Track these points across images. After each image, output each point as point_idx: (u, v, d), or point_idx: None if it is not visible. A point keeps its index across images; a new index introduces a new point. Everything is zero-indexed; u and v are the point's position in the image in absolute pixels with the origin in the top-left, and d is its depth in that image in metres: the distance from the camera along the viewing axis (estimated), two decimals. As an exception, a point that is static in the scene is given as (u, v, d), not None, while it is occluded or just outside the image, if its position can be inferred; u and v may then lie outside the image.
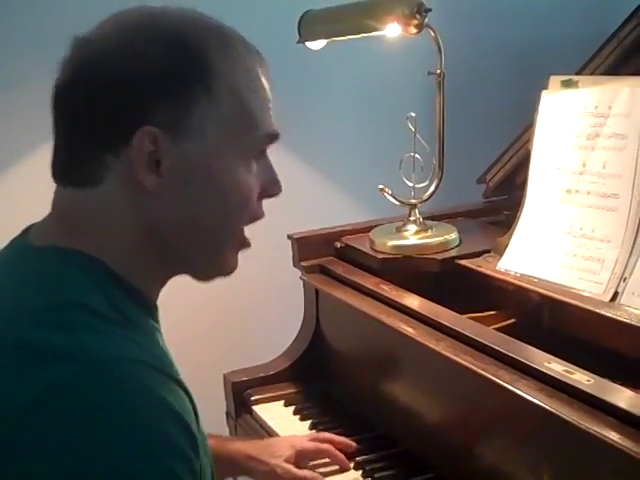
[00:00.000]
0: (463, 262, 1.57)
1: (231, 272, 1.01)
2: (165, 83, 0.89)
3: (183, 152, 0.91)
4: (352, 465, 1.43)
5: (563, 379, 1.13)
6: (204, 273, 1.01)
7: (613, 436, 1.02)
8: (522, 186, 1.57)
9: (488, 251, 1.59)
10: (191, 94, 0.90)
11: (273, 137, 0.99)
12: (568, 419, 1.07)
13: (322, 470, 1.43)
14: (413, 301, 1.49)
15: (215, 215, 0.95)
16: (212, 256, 0.99)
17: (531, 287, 1.43)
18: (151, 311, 0.98)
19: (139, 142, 0.89)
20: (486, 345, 1.27)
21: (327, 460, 1.45)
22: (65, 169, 0.94)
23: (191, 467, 0.84)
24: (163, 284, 1.00)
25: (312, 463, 1.45)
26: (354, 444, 1.47)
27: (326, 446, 1.46)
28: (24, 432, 0.78)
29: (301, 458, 1.44)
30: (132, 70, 0.89)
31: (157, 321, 0.99)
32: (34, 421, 0.78)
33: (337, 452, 1.45)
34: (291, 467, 1.41)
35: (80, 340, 0.83)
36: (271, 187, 1.00)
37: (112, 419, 0.79)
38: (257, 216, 1.00)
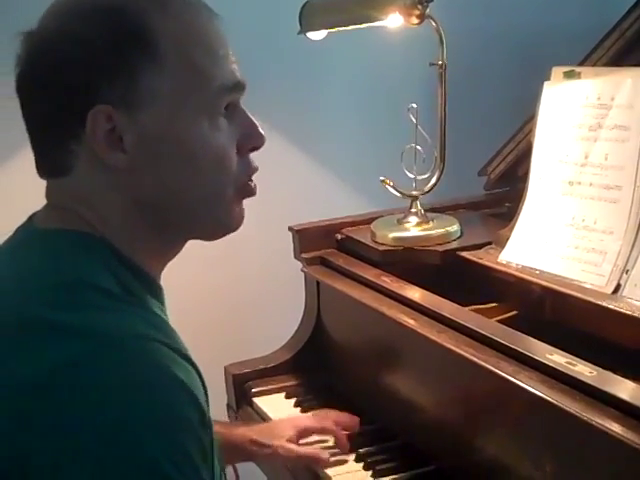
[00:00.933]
0: (464, 254, 1.57)
1: (238, 226, 1.00)
2: (107, 59, 0.89)
3: (142, 123, 0.90)
4: (353, 457, 1.43)
5: (565, 371, 1.13)
6: (209, 233, 1.00)
7: (615, 428, 1.01)
8: (524, 178, 1.57)
9: (490, 243, 1.58)
10: (134, 64, 0.89)
11: (233, 87, 0.96)
12: (570, 411, 1.07)
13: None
14: (414, 293, 1.48)
15: (194, 180, 0.94)
16: (210, 216, 0.97)
17: (533, 279, 1.43)
18: (155, 291, 0.97)
19: (93, 122, 0.89)
20: (487, 337, 1.27)
21: (329, 443, 1.46)
22: (39, 162, 0.96)
23: (201, 445, 0.84)
24: (167, 259, 1.00)
25: (310, 441, 1.47)
26: (358, 422, 1.48)
27: (330, 425, 1.47)
28: (39, 409, 0.78)
29: (304, 437, 1.45)
30: (73, 54, 0.89)
31: (163, 302, 0.99)
32: (49, 398, 0.79)
33: (340, 433, 1.46)
34: (293, 446, 1.42)
35: (91, 318, 0.83)
36: (251, 139, 0.98)
37: (126, 396, 0.79)
38: (251, 170, 0.99)
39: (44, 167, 0.95)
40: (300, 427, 1.45)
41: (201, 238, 1.01)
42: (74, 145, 0.91)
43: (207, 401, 0.92)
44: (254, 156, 1.00)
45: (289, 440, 1.42)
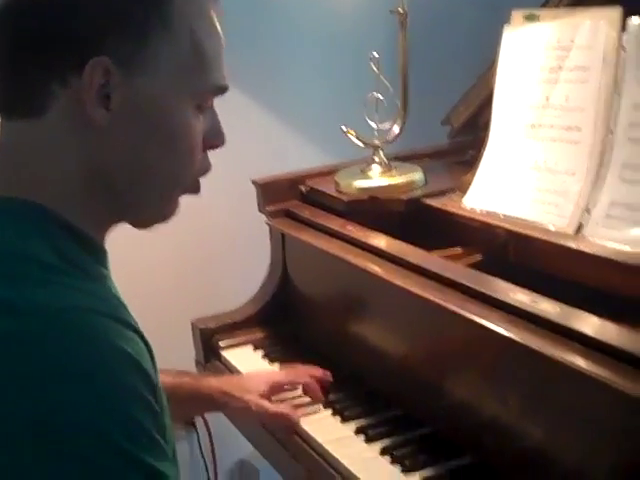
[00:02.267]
0: (428, 201, 1.57)
1: (169, 219, 0.99)
2: (125, 13, 0.87)
3: (135, 88, 0.88)
4: (321, 404, 1.44)
5: (529, 309, 1.14)
6: (146, 219, 0.99)
7: (580, 362, 1.03)
8: (487, 126, 1.56)
9: (453, 190, 1.59)
10: (150, 27, 0.88)
11: (222, 89, 0.97)
12: (535, 348, 1.08)
13: (295, 403, 1.46)
14: (379, 240, 1.49)
15: (163, 158, 0.93)
16: (157, 202, 0.96)
17: (496, 223, 1.43)
18: (99, 256, 0.95)
19: (91, 72, 0.86)
20: (452, 280, 1.27)
21: (300, 393, 1.47)
22: (9, 98, 0.91)
23: (153, 413, 0.83)
24: (107, 230, 0.97)
25: (284, 396, 1.47)
26: (329, 376, 1.48)
27: (302, 381, 1.47)
28: None
29: (276, 392, 1.45)
30: None
31: (106, 267, 0.96)
32: None
33: (314, 386, 1.46)
34: (265, 403, 1.41)
35: (28, 293, 0.81)
36: (215, 137, 0.98)
37: (68, 369, 0.77)
38: (205, 168, 0.99)
39: (15, 104, 0.90)
40: (272, 382, 1.45)
41: (135, 220, 0.98)
42: (57, 86, 0.87)
43: (156, 372, 0.90)
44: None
45: (262, 395, 1.42)
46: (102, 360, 0.80)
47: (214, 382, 1.45)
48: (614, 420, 1.00)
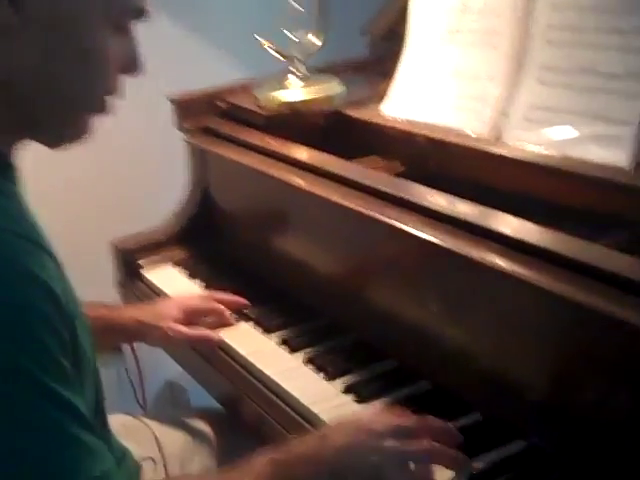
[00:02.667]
0: (349, 112, 1.56)
1: (84, 139, 0.96)
2: None
3: None
4: (244, 319, 1.44)
5: (447, 211, 1.14)
6: (55, 138, 0.95)
7: (498, 261, 1.03)
8: (407, 35, 1.55)
9: (373, 100, 1.57)
10: None
11: (140, 11, 0.94)
12: (454, 249, 1.08)
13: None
14: (301, 153, 1.46)
15: (73, 73, 0.90)
16: (63, 120, 0.93)
17: (416, 131, 1.42)
18: (8, 172, 0.91)
19: None
20: (372, 187, 1.26)
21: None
22: None
23: (59, 338, 0.82)
24: (15, 145, 0.93)
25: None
26: (246, 302, 1.46)
27: (217, 305, 1.44)
28: None
29: (191, 317, 1.42)
30: None
31: (16, 184, 0.93)
32: None
33: (226, 312, 1.43)
34: (181, 328, 1.39)
35: None
36: (133, 64, 0.96)
37: None
38: (116, 89, 0.95)
39: None
40: (186, 307, 1.42)
41: (45, 139, 0.95)
42: None
43: (70, 290, 0.89)
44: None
45: (176, 321, 1.39)
46: (8, 282, 0.78)
47: (129, 312, 1.43)
48: (536, 318, 1.01)
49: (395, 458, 0.93)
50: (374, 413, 1.02)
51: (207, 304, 1.45)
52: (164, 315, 1.40)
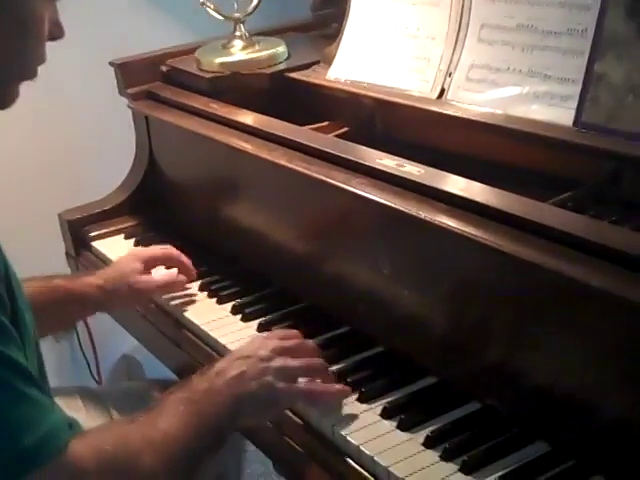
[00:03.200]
0: (293, 75, 1.55)
1: (11, 106, 0.95)
2: None
3: None
4: (197, 287, 1.43)
5: (394, 172, 1.14)
6: None
7: (445, 220, 1.04)
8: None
9: (318, 62, 1.56)
10: None
11: None
12: (402, 209, 1.08)
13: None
14: (245, 117, 1.45)
15: (11, 43, 0.90)
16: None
17: (361, 92, 1.42)
18: None
19: None
20: (318, 149, 1.26)
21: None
22: None
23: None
24: None
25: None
26: (194, 274, 1.43)
27: (175, 251, 1.42)
28: None
29: (151, 266, 1.40)
30: None
31: None
32: None
33: (186, 260, 1.41)
34: (148, 277, 1.37)
35: None
36: (57, 29, 0.96)
37: None
38: (43, 58, 0.96)
39: None
40: (144, 257, 1.39)
41: None
42: None
43: (7, 269, 0.89)
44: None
45: (139, 273, 1.36)
46: None
47: (87, 279, 1.36)
48: (486, 276, 1.02)
49: (281, 375, 1.04)
50: (257, 340, 1.12)
51: (164, 250, 1.43)
52: (125, 272, 1.36)
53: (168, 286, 1.39)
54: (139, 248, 1.50)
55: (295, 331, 1.16)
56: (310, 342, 1.14)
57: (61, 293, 1.31)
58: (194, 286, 1.43)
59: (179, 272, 1.41)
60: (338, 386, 1.08)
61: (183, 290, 1.42)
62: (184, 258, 1.42)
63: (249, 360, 1.04)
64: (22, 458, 0.83)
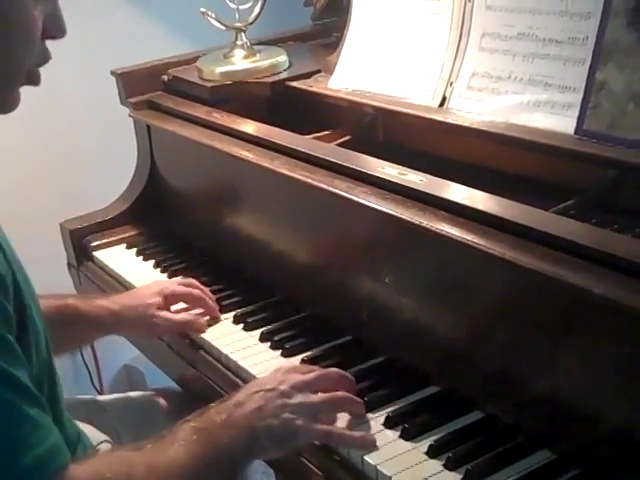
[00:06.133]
0: (294, 84, 1.55)
1: (13, 110, 0.93)
2: None
3: None
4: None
5: (397, 180, 1.14)
6: None
7: (448, 228, 1.04)
8: (350, 6, 1.53)
9: (319, 71, 1.56)
10: None
11: None
12: (404, 217, 1.08)
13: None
14: (247, 126, 1.46)
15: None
16: None
17: (363, 101, 1.42)
18: None
19: None
20: (321, 158, 1.26)
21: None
22: None
23: (5, 316, 0.83)
24: None
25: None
26: (217, 313, 1.37)
27: (197, 292, 1.37)
28: None
29: (171, 301, 1.37)
30: None
31: None
32: None
33: (208, 298, 1.37)
34: (167, 314, 1.34)
35: None
36: (54, 27, 0.93)
37: None
38: (45, 58, 0.94)
39: None
40: (166, 292, 1.35)
41: None
42: None
43: (12, 274, 0.89)
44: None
45: (159, 307, 1.33)
46: None
47: (101, 302, 1.33)
48: (486, 283, 1.02)
49: (302, 412, 1.01)
50: (278, 374, 1.07)
51: (189, 291, 1.38)
52: (144, 305, 1.33)
53: (186, 326, 1.35)
54: (163, 280, 1.45)
55: (316, 367, 1.11)
56: (336, 371, 1.09)
57: (72, 312, 1.29)
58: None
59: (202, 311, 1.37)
60: (360, 434, 1.03)
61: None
62: (206, 296, 1.37)
63: (269, 394, 1.01)
64: (20, 478, 0.83)
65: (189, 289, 1.37)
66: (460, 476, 0.94)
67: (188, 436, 0.95)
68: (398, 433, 1.03)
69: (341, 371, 1.09)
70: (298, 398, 1.01)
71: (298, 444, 1.03)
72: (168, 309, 1.35)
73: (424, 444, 1.00)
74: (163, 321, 1.32)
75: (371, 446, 1.01)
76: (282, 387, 1.02)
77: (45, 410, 0.88)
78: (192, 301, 1.37)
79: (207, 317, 1.35)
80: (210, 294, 1.38)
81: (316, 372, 1.08)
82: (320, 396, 1.04)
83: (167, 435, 0.97)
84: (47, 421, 0.88)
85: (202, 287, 1.38)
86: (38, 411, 0.86)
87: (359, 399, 1.07)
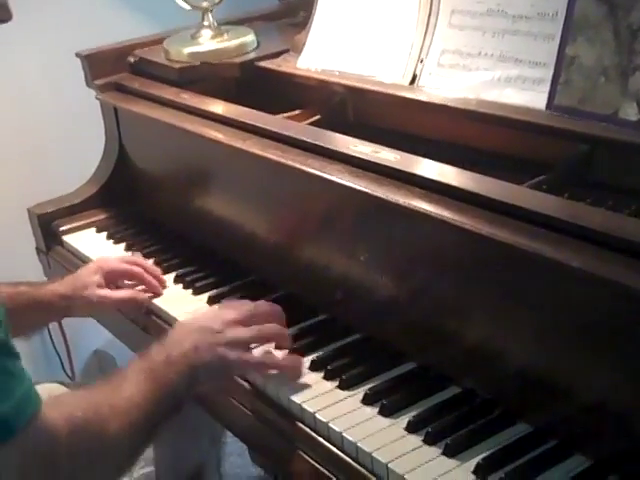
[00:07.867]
0: (263, 63, 1.54)
1: None
2: None
3: None
4: (172, 279, 1.41)
5: (370, 159, 1.14)
6: None
7: (422, 205, 1.04)
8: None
9: (287, 51, 1.55)
10: None
11: None
12: (379, 195, 1.08)
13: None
14: (216, 106, 1.44)
15: None
16: None
17: (332, 80, 1.42)
18: None
19: None
20: (292, 137, 1.25)
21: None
22: None
23: None
24: None
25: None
26: (164, 280, 1.40)
27: (137, 269, 1.39)
28: None
29: (112, 279, 1.38)
30: None
31: None
32: None
33: (149, 276, 1.38)
34: (107, 292, 1.35)
35: None
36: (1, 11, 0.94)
37: None
38: None
39: None
40: (105, 269, 1.37)
41: None
42: None
43: None
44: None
45: (99, 285, 1.35)
46: None
47: (51, 288, 1.36)
48: (463, 260, 1.02)
49: (234, 345, 1.09)
50: (212, 312, 1.18)
51: (126, 266, 1.40)
52: (86, 283, 1.35)
53: (127, 303, 1.37)
54: (104, 258, 1.45)
55: (247, 301, 1.19)
56: (263, 303, 1.18)
57: (25, 299, 1.31)
58: (169, 278, 1.41)
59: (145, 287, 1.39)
60: (288, 358, 1.13)
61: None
62: (149, 274, 1.39)
63: (204, 333, 1.09)
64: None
65: (128, 266, 1.40)
66: (440, 450, 0.95)
67: (137, 376, 1.03)
68: (377, 410, 1.03)
69: (269, 303, 1.19)
70: (230, 333, 1.10)
71: (233, 374, 1.14)
72: (107, 286, 1.37)
73: (403, 420, 1.00)
74: (99, 298, 1.35)
75: (299, 372, 1.11)
76: (215, 325, 1.10)
77: (19, 359, 0.90)
78: (131, 278, 1.40)
79: (149, 294, 1.37)
80: (156, 271, 1.41)
81: (246, 307, 1.16)
82: (250, 329, 1.12)
83: (119, 375, 1.04)
84: (21, 371, 0.90)
85: (146, 264, 1.41)
86: (13, 362, 0.89)
87: (286, 330, 1.17)
